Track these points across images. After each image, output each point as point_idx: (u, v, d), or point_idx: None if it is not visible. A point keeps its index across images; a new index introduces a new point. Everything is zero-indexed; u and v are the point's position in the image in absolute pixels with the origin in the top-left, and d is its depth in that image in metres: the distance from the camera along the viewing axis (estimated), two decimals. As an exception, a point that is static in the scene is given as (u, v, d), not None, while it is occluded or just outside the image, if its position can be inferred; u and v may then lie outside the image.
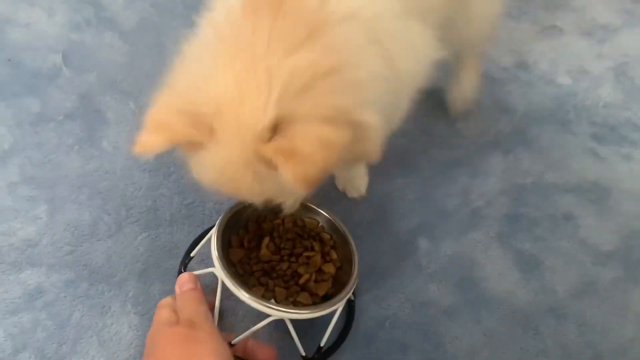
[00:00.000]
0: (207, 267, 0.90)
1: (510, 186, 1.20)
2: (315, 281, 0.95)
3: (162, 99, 0.72)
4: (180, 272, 0.98)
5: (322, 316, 0.85)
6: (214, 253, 0.87)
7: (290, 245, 0.98)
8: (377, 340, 0.98)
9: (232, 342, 0.88)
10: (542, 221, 1.15)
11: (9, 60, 1.30)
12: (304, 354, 0.90)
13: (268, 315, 0.84)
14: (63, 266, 1.01)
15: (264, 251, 0.96)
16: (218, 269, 0.86)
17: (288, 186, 0.67)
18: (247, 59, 0.67)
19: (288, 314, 0.84)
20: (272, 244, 0.97)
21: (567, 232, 1.13)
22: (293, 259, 0.97)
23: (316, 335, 0.90)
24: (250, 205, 0.93)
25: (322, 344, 0.92)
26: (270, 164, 0.67)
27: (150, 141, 0.68)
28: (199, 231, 1.06)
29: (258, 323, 0.84)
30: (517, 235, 1.12)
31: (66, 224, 1.06)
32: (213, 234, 0.90)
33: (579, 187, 1.22)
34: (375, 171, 1.12)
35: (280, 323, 0.86)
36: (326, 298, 0.92)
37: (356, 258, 0.94)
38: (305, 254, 0.97)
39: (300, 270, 0.95)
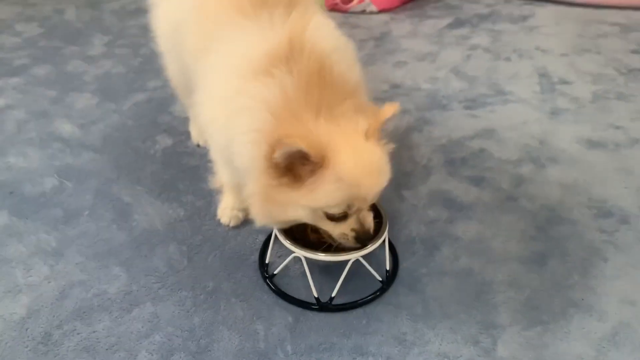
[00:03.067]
0: (287, 259, 1.17)
1: (436, 147, 1.66)
2: None
3: (286, 128, 0.96)
4: (265, 278, 1.22)
5: (379, 250, 1.18)
6: (287, 243, 1.14)
7: None
8: (417, 243, 1.30)
9: (333, 295, 1.14)
10: (469, 158, 1.61)
11: (11, 192, 1.46)
12: (380, 278, 1.19)
13: (344, 267, 1.13)
14: (163, 296, 1.18)
15: (312, 237, 1.23)
16: (298, 251, 1.13)
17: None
18: (314, 112, 0.99)
19: (360, 252, 1.13)
20: (313, 232, 1.25)
21: (487, 160, 1.60)
22: None
23: (379, 268, 1.21)
24: None
25: (387, 268, 1.22)
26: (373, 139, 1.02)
27: (294, 141, 0.92)
28: (252, 239, 1.32)
29: (340, 275, 1.14)
30: (461, 168, 1.56)
31: (145, 272, 1.24)
32: (279, 235, 1.16)
33: (476, 134, 1.72)
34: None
35: (354, 270, 1.15)
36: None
37: (382, 209, 1.24)
38: None
39: None
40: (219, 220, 1.37)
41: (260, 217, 1.08)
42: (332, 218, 1.07)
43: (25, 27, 2.44)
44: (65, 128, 1.73)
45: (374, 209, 1.23)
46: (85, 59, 2.17)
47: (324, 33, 1.13)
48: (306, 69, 1.02)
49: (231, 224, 1.35)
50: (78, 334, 1.10)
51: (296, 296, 1.18)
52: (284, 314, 1.15)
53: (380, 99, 1.88)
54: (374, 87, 1.98)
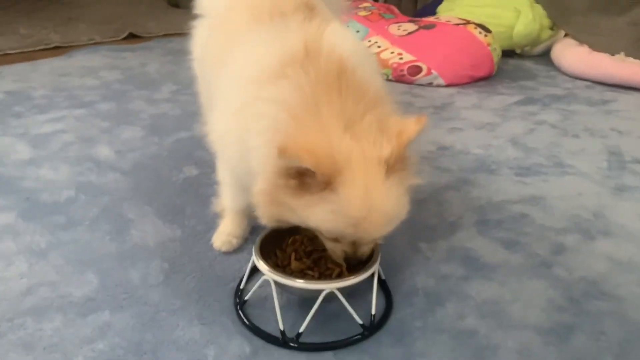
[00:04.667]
0: (264, 286, 1.06)
1: (471, 207, 1.50)
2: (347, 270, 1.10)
3: (300, 137, 0.88)
4: (235, 304, 1.10)
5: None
6: (258, 263, 1.04)
7: (311, 257, 1.14)
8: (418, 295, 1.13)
9: (300, 330, 1.00)
10: (506, 221, 1.43)
11: (28, 198, 1.48)
12: (361, 322, 1.03)
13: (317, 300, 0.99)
14: (124, 307, 1.09)
15: (294, 265, 1.12)
16: (268, 273, 1.02)
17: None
18: (341, 122, 0.90)
19: (337, 283, 1.00)
20: (297, 260, 1.13)
21: (527, 225, 1.41)
22: (318, 264, 1.12)
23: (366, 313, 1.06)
24: (272, 235, 1.14)
25: (373, 312, 1.05)
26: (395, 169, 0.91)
27: (300, 153, 0.84)
28: (239, 266, 1.21)
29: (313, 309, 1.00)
30: (494, 230, 1.38)
31: (117, 282, 1.16)
32: (255, 254, 1.06)
33: (521, 199, 1.54)
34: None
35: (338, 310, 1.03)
36: None
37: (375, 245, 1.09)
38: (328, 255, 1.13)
39: (330, 266, 1.11)
40: (212, 244, 1.28)
41: (264, 216, 0.99)
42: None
43: (108, 73, 2.63)
44: (103, 152, 1.77)
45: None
46: (148, 101, 2.27)
47: (343, 38, 1.07)
48: (324, 69, 0.95)
49: (223, 249, 1.27)
50: (24, 329, 1.03)
51: (264, 328, 1.04)
52: (243, 344, 1.01)
53: (423, 158, 1.77)
54: (418, 147, 1.86)
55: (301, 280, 1.01)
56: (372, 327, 1.04)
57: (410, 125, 0.89)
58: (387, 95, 1.03)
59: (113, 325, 1.04)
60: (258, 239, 1.11)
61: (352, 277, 1.01)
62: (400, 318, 1.09)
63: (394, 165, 0.90)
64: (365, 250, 1.00)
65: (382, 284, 1.15)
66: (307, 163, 0.84)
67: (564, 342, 1.03)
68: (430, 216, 1.45)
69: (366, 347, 1.01)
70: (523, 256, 1.29)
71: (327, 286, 0.99)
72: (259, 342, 1.02)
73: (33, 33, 3.17)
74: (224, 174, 1.28)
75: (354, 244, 0.98)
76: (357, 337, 1.02)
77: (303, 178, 0.89)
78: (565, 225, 1.41)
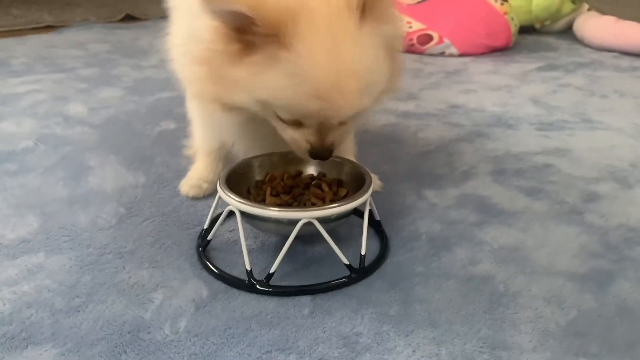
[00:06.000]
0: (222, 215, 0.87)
1: (486, 158, 1.29)
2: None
3: None
4: (198, 246, 0.91)
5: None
6: (222, 192, 0.84)
7: (290, 194, 0.93)
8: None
9: (271, 270, 0.81)
10: (528, 170, 1.22)
11: (-19, 148, 1.31)
12: (347, 262, 0.83)
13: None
14: (64, 249, 0.91)
15: (269, 200, 0.91)
16: (233, 202, 0.82)
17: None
18: None
19: (316, 212, 0.80)
20: (274, 195, 0.93)
21: (552, 175, 1.20)
22: (299, 200, 0.92)
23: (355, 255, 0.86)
24: (246, 167, 0.95)
25: (362, 252, 0.84)
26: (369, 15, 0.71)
27: None
28: (208, 212, 1.01)
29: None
30: (512, 178, 1.18)
31: (61, 225, 0.98)
32: (219, 183, 0.87)
33: (544, 151, 1.33)
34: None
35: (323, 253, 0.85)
36: None
37: (366, 173, 0.90)
38: (312, 190, 0.92)
39: (314, 201, 0.90)
40: (179, 190, 1.09)
41: (204, 97, 0.80)
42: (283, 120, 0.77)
43: (98, 46, 2.48)
44: (76, 109, 1.61)
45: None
46: (134, 67, 2.11)
47: None
48: None
49: (190, 194, 1.08)
50: (-62, 271, 0.84)
51: (230, 272, 0.84)
52: (200, 288, 0.82)
53: (432, 115, 1.57)
54: (428, 105, 1.67)
55: (274, 208, 0.81)
56: (362, 270, 0.84)
57: None
58: None
59: (45, 267, 0.86)
60: (225, 170, 0.92)
61: (336, 204, 0.81)
62: (397, 262, 0.88)
63: (368, 10, 0.70)
64: (335, 137, 0.79)
65: (377, 226, 0.95)
66: (238, 5, 0.64)
67: (603, 289, 0.82)
68: (438, 165, 1.25)
69: (353, 291, 0.81)
70: (548, 203, 1.08)
71: (305, 215, 0.79)
72: (220, 286, 0.82)
73: (26, 14, 3.04)
74: (193, 108, 1.09)
75: (321, 129, 0.77)
76: (342, 280, 0.82)
77: (247, 38, 0.69)
78: (598, 175, 1.20)
